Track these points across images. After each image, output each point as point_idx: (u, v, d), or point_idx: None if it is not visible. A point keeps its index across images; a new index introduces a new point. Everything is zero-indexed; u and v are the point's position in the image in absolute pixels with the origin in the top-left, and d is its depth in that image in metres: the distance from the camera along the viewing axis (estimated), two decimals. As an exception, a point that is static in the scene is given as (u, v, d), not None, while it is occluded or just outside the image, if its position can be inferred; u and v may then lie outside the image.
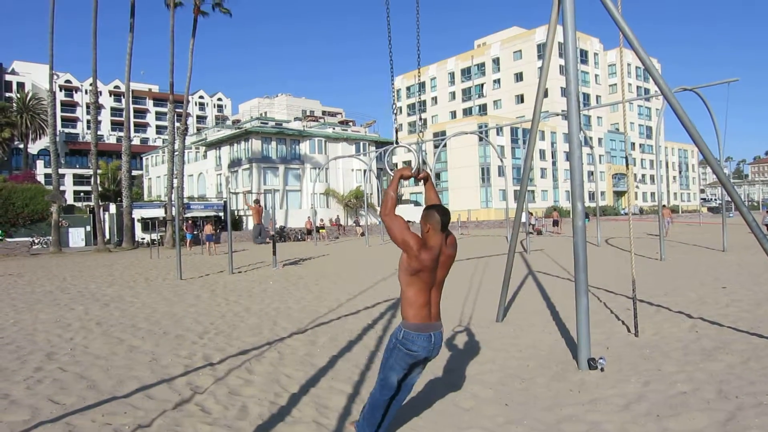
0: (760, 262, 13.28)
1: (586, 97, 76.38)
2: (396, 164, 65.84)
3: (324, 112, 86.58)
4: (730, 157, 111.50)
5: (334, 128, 56.49)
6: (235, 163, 47.96)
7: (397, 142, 4.12)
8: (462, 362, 5.43)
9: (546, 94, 74.31)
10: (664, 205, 58.13)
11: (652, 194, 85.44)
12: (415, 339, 3.37)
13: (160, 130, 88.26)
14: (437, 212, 3.48)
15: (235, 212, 40.65)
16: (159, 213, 34.38)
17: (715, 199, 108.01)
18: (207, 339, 6.55)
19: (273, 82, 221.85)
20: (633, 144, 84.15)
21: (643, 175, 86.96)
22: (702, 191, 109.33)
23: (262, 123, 52.12)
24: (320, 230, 32.47)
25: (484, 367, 5.23)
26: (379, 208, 3.49)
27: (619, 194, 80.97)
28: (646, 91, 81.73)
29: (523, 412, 4.03)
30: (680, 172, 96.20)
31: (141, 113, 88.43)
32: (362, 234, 38.23)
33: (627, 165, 7.01)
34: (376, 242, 28.64)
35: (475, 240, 28.45)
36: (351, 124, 69.28)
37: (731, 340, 5.84)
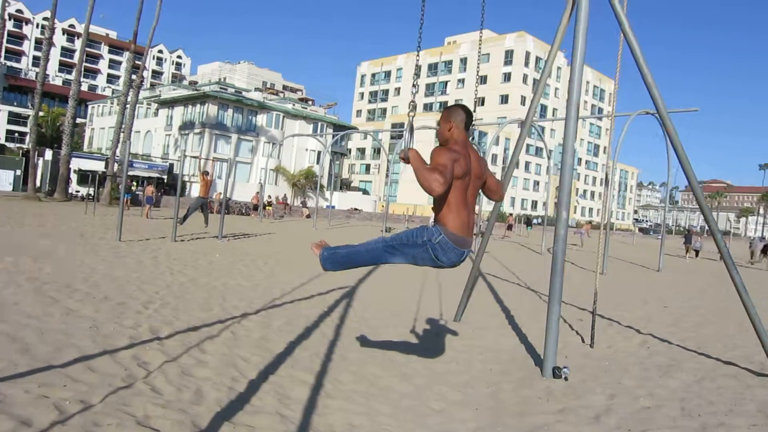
0: (691, 284, 13.93)
1: (544, 108, 78.15)
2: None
3: (285, 87, 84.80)
4: (664, 183, 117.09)
5: (294, 104, 55.39)
6: (187, 126, 46.20)
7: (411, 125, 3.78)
8: (426, 360, 5.28)
9: (506, 100, 75.87)
10: (590, 222, 59.94)
11: (590, 209, 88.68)
12: (448, 250, 3.13)
13: (111, 79, 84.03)
14: (462, 109, 3.32)
15: (181, 177, 39.24)
16: (99, 166, 32.71)
17: (646, 221, 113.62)
18: (152, 310, 6.10)
19: (236, 48, 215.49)
20: (579, 159, 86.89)
21: (585, 191, 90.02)
22: (635, 212, 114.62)
23: (221, 88, 50.43)
24: (267, 207, 31.74)
25: (448, 367, 5.09)
26: (430, 184, 3.10)
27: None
28: (600, 110, 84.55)
29: (494, 417, 3.91)
30: (619, 192, 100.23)
31: (93, 58, 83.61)
32: (308, 216, 37.71)
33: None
34: (323, 225, 28.28)
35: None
36: (310, 102, 68.16)
37: (682, 358, 5.95)
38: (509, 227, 34.12)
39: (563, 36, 5.65)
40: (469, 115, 3.35)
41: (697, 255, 24.99)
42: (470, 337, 6.35)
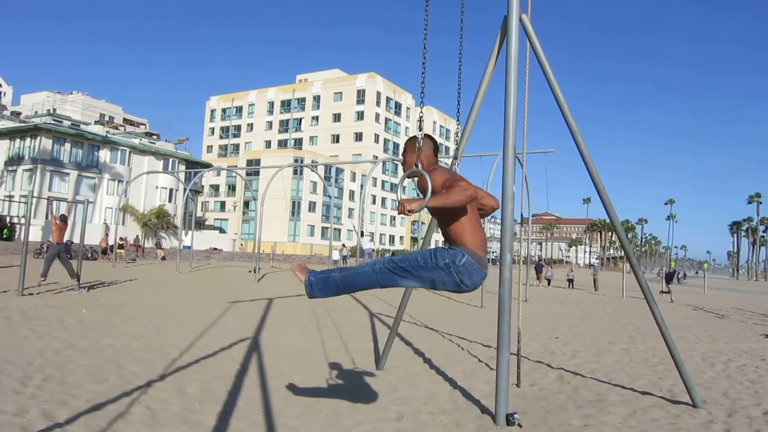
0: (562, 313, 14.99)
1: (396, 146, 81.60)
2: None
3: (126, 120, 78.91)
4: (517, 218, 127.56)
5: (141, 139, 51.66)
6: (14, 161, 40.80)
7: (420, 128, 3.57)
8: (373, 419, 4.90)
9: (360, 138, 77.97)
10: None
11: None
12: (473, 273, 2.88)
13: None
14: (428, 137, 3.34)
15: (8, 219, 34.32)
16: None
17: (493, 252, 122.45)
18: (34, 387, 5.01)
19: (67, 77, 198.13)
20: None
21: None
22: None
23: (55, 120, 45.42)
24: (120, 249, 28.87)
25: (400, 425, 4.77)
26: (464, 194, 2.88)
27: (415, 240, 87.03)
28: (447, 148, 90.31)
29: (480, 481, 3.67)
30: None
31: None
32: (163, 258, 35.00)
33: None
34: (186, 268, 26.36)
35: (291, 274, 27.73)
36: (156, 137, 64.20)
37: (602, 390, 6.22)
38: None
39: (489, 82, 5.79)
40: (434, 141, 3.39)
41: (549, 284, 27.30)
42: (402, 387, 6.08)
